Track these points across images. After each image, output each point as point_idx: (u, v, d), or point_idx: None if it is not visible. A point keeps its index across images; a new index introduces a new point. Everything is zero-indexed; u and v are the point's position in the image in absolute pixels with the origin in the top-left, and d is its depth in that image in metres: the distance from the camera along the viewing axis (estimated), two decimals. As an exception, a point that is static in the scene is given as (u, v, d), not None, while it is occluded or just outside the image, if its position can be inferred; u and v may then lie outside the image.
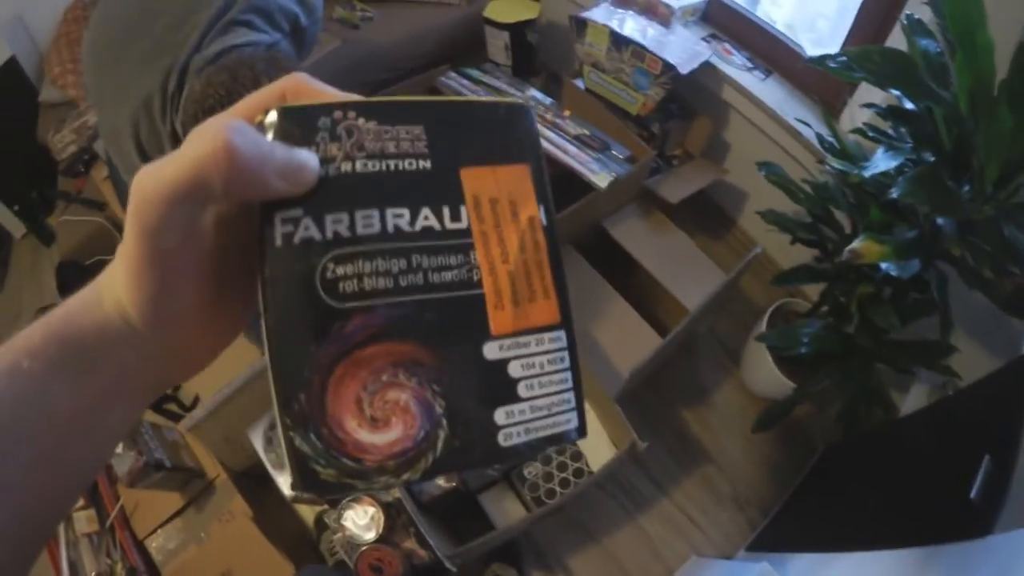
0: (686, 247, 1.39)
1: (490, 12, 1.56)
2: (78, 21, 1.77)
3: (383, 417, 0.20)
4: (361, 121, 0.21)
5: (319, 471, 0.19)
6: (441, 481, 1.18)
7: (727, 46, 1.51)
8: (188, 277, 0.21)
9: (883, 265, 0.91)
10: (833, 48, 1.40)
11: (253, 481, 1.34)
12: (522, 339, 0.22)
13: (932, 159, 0.95)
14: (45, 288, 1.78)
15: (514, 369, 0.22)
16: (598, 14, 1.40)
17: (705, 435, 1.50)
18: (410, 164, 0.21)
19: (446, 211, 0.21)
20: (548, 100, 1.39)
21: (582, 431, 0.24)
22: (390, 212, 0.21)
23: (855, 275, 1.19)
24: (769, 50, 1.49)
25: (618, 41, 1.36)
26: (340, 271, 0.20)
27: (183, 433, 1.35)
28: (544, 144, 1.30)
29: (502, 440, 0.21)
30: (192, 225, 0.20)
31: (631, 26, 1.37)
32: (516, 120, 0.23)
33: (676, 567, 1.32)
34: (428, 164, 0.21)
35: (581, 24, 1.39)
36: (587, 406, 1.24)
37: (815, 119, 1.38)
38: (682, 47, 1.38)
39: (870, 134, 1.11)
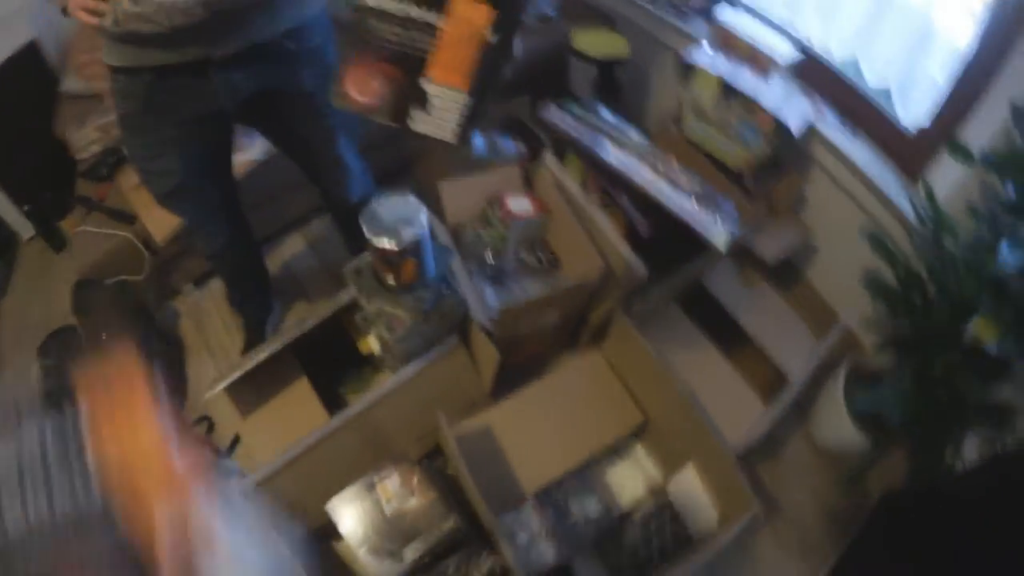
0: (780, 309, 1.37)
1: (579, 44, 1.49)
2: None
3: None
4: None
5: None
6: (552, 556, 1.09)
7: (818, 103, 1.50)
8: None
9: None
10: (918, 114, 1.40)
11: (311, 544, 1.22)
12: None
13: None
14: (55, 302, 1.59)
15: None
16: (704, 59, 1.36)
17: (775, 487, 1.49)
18: None
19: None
20: (647, 143, 1.33)
21: None
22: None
23: (940, 342, 1.21)
24: (859, 112, 1.48)
25: (728, 92, 1.32)
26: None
27: (236, 490, 1.22)
28: (661, 196, 1.25)
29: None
30: None
31: (742, 77, 1.34)
32: None
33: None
34: None
35: (689, 69, 1.34)
36: (690, 466, 1.21)
37: (898, 186, 1.39)
38: (786, 103, 1.35)
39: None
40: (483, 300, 1.17)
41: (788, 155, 1.51)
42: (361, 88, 0.60)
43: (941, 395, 1.23)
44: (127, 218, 1.49)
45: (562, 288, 1.12)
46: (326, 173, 1.19)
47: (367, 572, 1.02)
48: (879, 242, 1.26)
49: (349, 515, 1.06)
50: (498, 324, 1.10)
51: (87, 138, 1.48)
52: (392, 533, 1.04)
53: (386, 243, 0.94)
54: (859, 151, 1.44)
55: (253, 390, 1.25)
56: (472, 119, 0.58)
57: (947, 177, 1.31)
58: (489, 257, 1.21)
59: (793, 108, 1.34)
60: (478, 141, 1.37)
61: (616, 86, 1.53)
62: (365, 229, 0.95)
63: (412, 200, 0.99)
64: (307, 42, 0.96)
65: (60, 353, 1.39)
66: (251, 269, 1.45)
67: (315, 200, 1.70)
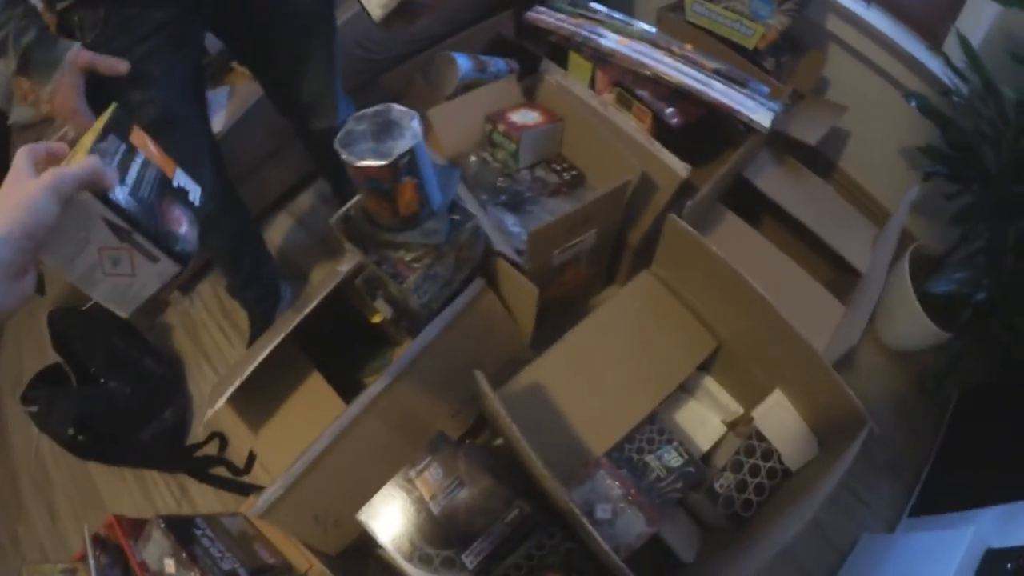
0: (829, 197, 1.20)
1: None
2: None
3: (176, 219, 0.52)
4: None
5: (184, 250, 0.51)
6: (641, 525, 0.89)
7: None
8: None
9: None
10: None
11: (353, 561, 1.00)
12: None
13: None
14: (46, 343, 1.38)
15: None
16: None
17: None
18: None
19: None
20: (653, 30, 1.15)
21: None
22: None
23: (1010, 209, 1.08)
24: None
25: (731, -39, 1.15)
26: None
27: (252, 520, 1.00)
28: (686, 80, 1.07)
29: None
30: None
31: (741, -56, 1.16)
32: None
33: (846, 548, 1.17)
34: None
35: (681, -56, 1.17)
36: (778, 391, 1.01)
37: (922, 50, 1.24)
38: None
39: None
40: (505, 229, 0.96)
41: (804, 31, 1.34)
42: None
43: (1018, 267, 1.09)
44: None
45: (596, 197, 0.92)
46: (306, 90, 0.97)
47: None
48: (927, 105, 1.11)
49: (388, 523, 0.84)
50: (529, 252, 0.90)
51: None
52: (445, 536, 0.82)
53: (372, 162, 0.73)
54: (876, 18, 1.29)
55: (261, 398, 1.02)
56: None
57: (972, 34, 1.15)
58: (501, 182, 1.00)
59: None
60: (463, 62, 1.16)
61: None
62: (343, 153, 0.74)
63: (396, 108, 0.77)
64: None
65: (47, 396, 1.16)
66: (250, 242, 1.25)
67: (295, 171, 1.53)
